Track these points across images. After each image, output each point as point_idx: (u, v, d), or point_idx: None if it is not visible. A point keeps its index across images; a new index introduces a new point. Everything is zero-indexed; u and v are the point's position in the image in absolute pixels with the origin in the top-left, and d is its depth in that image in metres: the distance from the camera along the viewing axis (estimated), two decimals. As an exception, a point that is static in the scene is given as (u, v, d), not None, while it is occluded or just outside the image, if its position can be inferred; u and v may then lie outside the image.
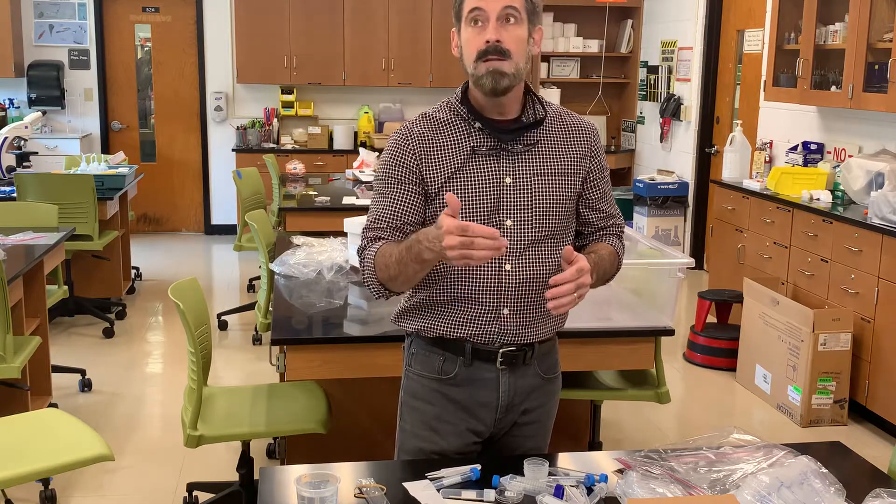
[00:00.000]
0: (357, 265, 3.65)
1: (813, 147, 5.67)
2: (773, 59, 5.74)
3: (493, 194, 1.98)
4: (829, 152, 5.60)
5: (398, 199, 1.99)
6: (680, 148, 7.74)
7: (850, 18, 4.93)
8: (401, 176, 2.00)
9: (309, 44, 8.37)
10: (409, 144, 2.00)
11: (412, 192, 1.99)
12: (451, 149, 1.99)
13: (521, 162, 2.00)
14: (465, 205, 1.97)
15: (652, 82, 8.23)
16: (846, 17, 5.00)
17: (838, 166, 5.23)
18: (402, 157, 2.00)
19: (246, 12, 8.27)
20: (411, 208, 1.99)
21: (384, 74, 8.54)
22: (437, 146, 2.00)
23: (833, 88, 5.15)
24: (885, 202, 4.29)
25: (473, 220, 1.96)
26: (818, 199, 4.98)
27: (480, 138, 1.99)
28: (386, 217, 2.00)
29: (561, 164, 2.04)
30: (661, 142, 8.03)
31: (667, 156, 7.99)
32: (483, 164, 1.99)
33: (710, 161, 7.44)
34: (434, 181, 1.99)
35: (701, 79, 7.39)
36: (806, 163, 5.62)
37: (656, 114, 8.09)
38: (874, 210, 4.36)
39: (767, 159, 6.19)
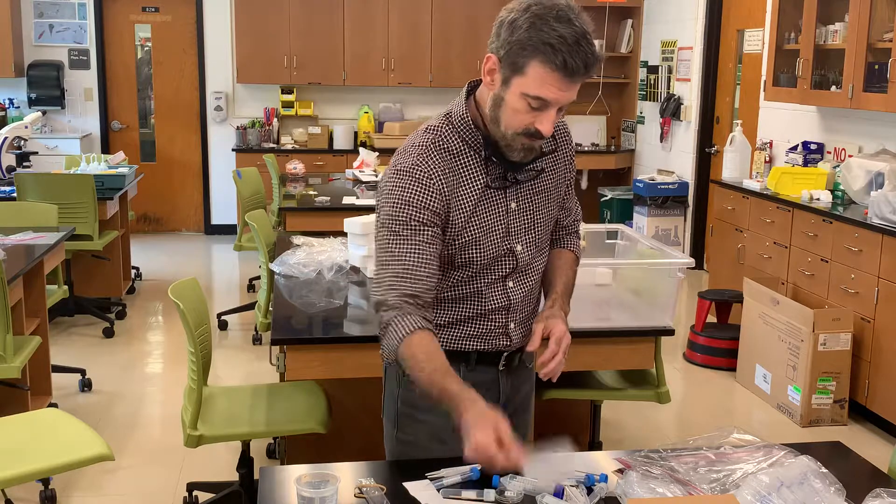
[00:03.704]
0: (356, 265, 3.67)
1: (813, 147, 5.67)
2: (773, 58, 5.74)
3: (504, 223, 1.96)
4: (829, 152, 5.59)
5: (421, 250, 1.88)
6: (680, 148, 7.74)
7: (850, 18, 4.93)
8: (425, 219, 1.87)
9: (309, 44, 8.37)
10: (434, 185, 1.88)
11: (434, 236, 1.89)
12: (470, 185, 1.93)
13: (524, 186, 1.99)
14: (482, 238, 1.94)
15: (652, 82, 8.23)
16: (846, 17, 5.00)
17: (838, 166, 5.23)
18: (427, 202, 1.87)
19: (246, 12, 8.27)
20: (433, 257, 1.89)
21: (384, 74, 8.54)
22: (457, 184, 1.92)
23: (833, 88, 5.15)
24: (885, 202, 4.29)
25: (489, 252, 1.95)
26: (818, 199, 4.98)
27: (490, 169, 1.94)
28: (410, 268, 1.88)
29: (553, 179, 2.04)
30: (661, 142, 8.03)
31: (667, 156, 7.98)
32: (495, 196, 1.95)
33: (710, 161, 7.44)
34: (458, 219, 1.92)
35: (701, 79, 7.39)
36: (806, 163, 5.62)
37: (656, 114, 8.09)
38: (874, 210, 4.36)
39: (767, 159, 6.19)
